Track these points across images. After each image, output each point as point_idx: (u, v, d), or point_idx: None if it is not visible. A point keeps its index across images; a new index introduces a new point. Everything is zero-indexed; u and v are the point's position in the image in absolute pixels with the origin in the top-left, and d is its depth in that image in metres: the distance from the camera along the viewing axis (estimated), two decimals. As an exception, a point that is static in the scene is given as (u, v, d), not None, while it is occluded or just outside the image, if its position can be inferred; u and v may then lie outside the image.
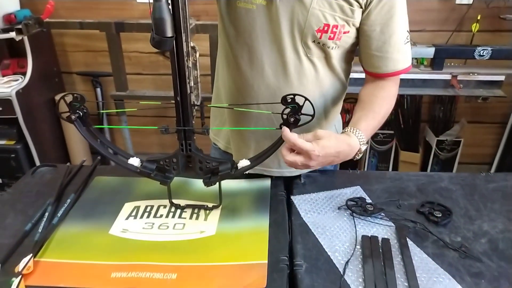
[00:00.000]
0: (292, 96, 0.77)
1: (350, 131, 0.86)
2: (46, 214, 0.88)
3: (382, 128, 2.31)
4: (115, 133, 2.65)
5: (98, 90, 2.47)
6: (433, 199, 0.95)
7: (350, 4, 0.84)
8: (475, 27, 2.05)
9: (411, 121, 2.31)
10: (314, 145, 0.77)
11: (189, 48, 0.74)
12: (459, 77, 1.93)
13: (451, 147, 2.25)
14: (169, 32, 0.65)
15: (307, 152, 0.77)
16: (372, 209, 0.89)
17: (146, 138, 2.64)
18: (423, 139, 2.40)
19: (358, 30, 0.89)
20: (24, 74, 2.14)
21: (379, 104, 0.93)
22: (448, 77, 1.94)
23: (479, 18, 2.04)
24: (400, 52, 0.90)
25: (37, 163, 2.18)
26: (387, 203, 0.93)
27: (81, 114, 0.82)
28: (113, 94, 2.12)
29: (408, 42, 0.91)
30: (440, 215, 0.88)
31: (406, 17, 0.90)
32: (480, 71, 1.95)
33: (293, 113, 0.78)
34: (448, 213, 0.89)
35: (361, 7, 0.86)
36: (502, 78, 1.92)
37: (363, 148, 0.86)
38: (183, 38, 0.70)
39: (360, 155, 0.87)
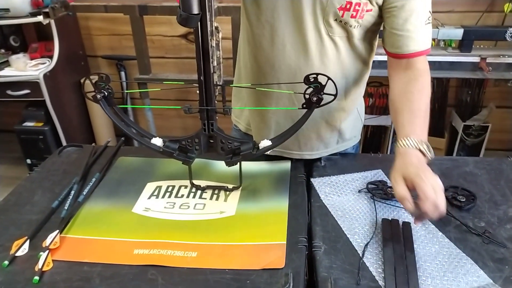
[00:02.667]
0: (314, 76, 0.77)
1: (403, 145, 0.82)
2: (72, 192, 0.90)
3: (406, 112, 2.27)
4: (138, 116, 2.70)
5: (123, 73, 2.50)
6: (457, 183, 0.93)
7: None
8: (507, 7, 1.96)
9: (437, 106, 2.25)
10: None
11: (213, 27, 0.74)
12: (488, 60, 1.85)
13: (478, 132, 2.18)
14: (196, 9, 0.67)
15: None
16: (393, 192, 0.88)
17: (168, 121, 2.67)
18: (449, 124, 2.34)
19: (381, 8, 0.87)
20: (51, 57, 2.19)
21: (420, 98, 0.87)
22: (476, 59, 1.86)
23: (513, -3, 1.96)
24: (421, 32, 0.87)
25: (64, 144, 2.24)
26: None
27: (106, 93, 0.84)
28: (137, 77, 2.14)
29: (429, 23, 0.88)
30: (463, 200, 0.87)
31: None
32: (510, 53, 1.87)
33: (316, 92, 0.77)
34: (472, 198, 0.88)
35: None
36: (534, 60, 1.84)
37: (425, 148, 0.80)
38: (208, 16, 0.71)
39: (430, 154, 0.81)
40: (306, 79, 0.77)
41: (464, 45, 1.85)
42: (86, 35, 2.47)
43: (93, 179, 0.95)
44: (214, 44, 0.74)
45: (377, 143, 2.37)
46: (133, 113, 2.65)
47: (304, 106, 0.80)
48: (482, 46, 1.97)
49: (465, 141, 2.22)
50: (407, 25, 0.86)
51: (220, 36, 0.72)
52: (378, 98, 2.25)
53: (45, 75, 2.08)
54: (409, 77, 0.89)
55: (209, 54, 0.75)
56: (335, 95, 0.77)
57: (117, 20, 2.36)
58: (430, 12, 0.88)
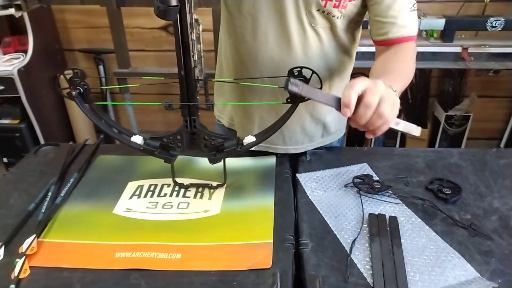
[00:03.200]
0: (299, 69, 0.75)
1: None
2: (50, 193, 0.87)
3: (389, 103, 2.28)
4: (119, 112, 2.64)
5: (101, 67, 2.44)
6: (442, 175, 0.93)
7: None
8: (487, -4, 1.98)
9: (419, 96, 2.26)
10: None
11: (193, 20, 0.72)
12: (470, 50, 1.87)
13: (460, 122, 2.21)
14: (174, 1, 0.64)
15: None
16: (379, 186, 0.87)
17: (150, 115, 2.62)
18: (432, 114, 2.36)
19: None
20: (25, 52, 2.12)
21: (395, 62, 0.86)
22: (458, 49, 1.88)
23: (492, -13, 1.97)
24: (406, 18, 0.86)
25: (42, 142, 2.17)
26: (395, 180, 0.91)
27: (81, 90, 0.80)
28: (116, 71, 2.09)
29: (414, 10, 0.87)
30: (449, 192, 0.86)
31: None
32: (492, 43, 1.88)
33: None
34: (457, 190, 0.87)
35: None
36: (514, 50, 1.86)
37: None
38: (187, 8, 0.68)
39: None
40: (290, 73, 0.75)
41: (446, 35, 1.86)
42: (62, 28, 2.40)
43: (71, 180, 0.91)
44: (194, 38, 0.72)
45: (361, 135, 2.37)
46: (113, 108, 2.59)
47: (289, 100, 0.78)
48: (463, 36, 1.98)
49: (447, 131, 2.24)
50: (390, 11, 0.85)
51: (200, 29, 0.70)
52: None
53: (19, 71, 2.01)
54: (389, 51, 0.88)
55: (189, 48, 0.72)
56: (320, 89, 0.76)
57: (94, 12, 2.29)
58: None
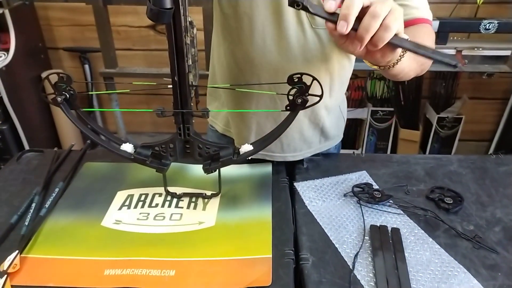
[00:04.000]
0: (299, 76, 0.71)
1: None
2: (33, 204, 0.82)
3: (382, 105, 2.27)
4: (106, 112, 2.57)
5: (87, 66, 2.37)
6: (442, 184, 0.91)
7: None
8: (480, -1, 1.97)
9: (411, 98, 2.25)
10: None
11: (187, 22, 0.67)
12: (464, 52, 1.86)
13: (452, 124, 2.20)
14: (168, 3, 0.59)
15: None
16: (379, 196, 0.84)
17: (138, 116, 2.56)
18: (423, 116, 2.35)
19: None
20: (7, 50, 2.03)
21: (419, 36, 0.76)
22: (452, 52, 1.87)
23: (484, -12, 1.96)
24: (418, 0, 0.81)
25: (25, 144, 2.10)
26: (395, 188, 0.89)
27: (67, 96, 0.75)
28: (102, 71, 2.03)
29: None
30: (451, 202, 0.84)
31: None
32: (484, 45, 1.88)
33: (300, 94, 0.72)
34: (459, 200, 0.85)
35: None
36: (508, 53, 1.85)
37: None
38: (181, 11, 0.63)
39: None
40: (290, 79, 0.72)
41: (439, 37, 1.84)
42: (45, 26, 2.31)
43: (56, 189, 0.86)
44: (188, 41, 0.67)
45: (352, 136, 2.36)
46: (99, 106, 2.52)
47: (288, 108, 0.74)
48: (456, 38, 1.97)
49: (439, 133, 2.24)
50: None
51: (195, 32, 0.66)
52: (354, 90, 2.23)
53: (1, 70, 1.93)
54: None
55: (184, 52, 0.68)
56: (321, 96, 0.72)
57: (79, 10, 2.22)
58: None
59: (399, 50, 0.65)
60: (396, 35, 0.57)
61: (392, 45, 0.59)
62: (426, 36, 0.80)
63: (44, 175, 0.91)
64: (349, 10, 0.54)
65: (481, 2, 1.98)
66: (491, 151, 2.39)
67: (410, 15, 0.80)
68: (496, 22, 1.77)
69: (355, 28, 0.56)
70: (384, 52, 0.61)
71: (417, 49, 0.59)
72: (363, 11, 0.55)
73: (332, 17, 0.57)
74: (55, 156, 0.99)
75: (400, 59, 0.66)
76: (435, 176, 0.94)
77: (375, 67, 0.70)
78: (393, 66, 0.68)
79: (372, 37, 0.56)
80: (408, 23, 0.80)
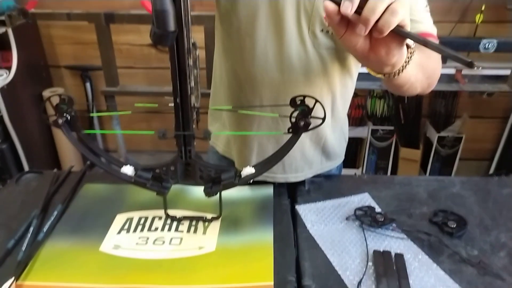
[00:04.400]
0: (301, 98, 0.71)
1: None
2: (31, 228, 0.80)
3: (382, 123, 2.27)
4: (105, 129, 2.57)
5: (88, 84, 2.38)
6: (445, 206, 0.90)
7: None
8: (479, 18, 1.98)
9: (411, 116, 2.25)
10: None
11: (190, 44, 0.67)
12: (463, 71, 1.87)
13: (453, 143, 2.20)
14: (172, 26, 0.59)
15: None
16: (382, 219, 0.83)
17: (138, 134, 2.56)
18: (424, 135, 2.35)
19: None
20: (9, 68, 2.04)
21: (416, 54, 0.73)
22: (452, 71, 1.87)
23: (483, 8, 1.98)
24: (421, 15, 0.79)
25: (24, 163, 2.09)
26: (398, 211, 0.88)
27: (68, 117, 0.75)
28: (104, 89, 2.03)
29: (428, 12, 0.81)
30: (454, 226, 0.83)
31: None
32: (484, 64, 1.89)
33: (303, 116, 0.71)
34: (463, 223, 0.84)
35: None
36: (507, 72, 1.86)
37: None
38: (184, 33, 0.63)
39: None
40: (292, 102, 0.71)
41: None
42: (48, 44, 2.33)
43: (55, 212, 0.85)
44: (191, 63, 0.67)
45: (353, 154, 2.36)
46: (100, 127, 2.52)
47: (290, 130, 0.74)
48: (455, 57, 1.98)
49: (439, 152, 2.23)
50: None
51: (197, 53, 0.66)
52: (354, 109, 2.23)
53: (2, 89, 1.94)
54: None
55: (186, 74, 0.68)
56: (324, 119, 0.72)
57: (82, 28, 2.24)
58: (426, 0, 0.82)
59: (405, 51, 0.61)
60: (400, 26, 0.53)
61: (398, 35, 0.55)
62: (434, 53, 0.77)
63: (43, 197, 0.90)
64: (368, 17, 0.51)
65: (480, 21, 1.99)
66: (492, 170, 2.38)
67: (415, 29, 0.77)
68: (496, 41, 1.78)
69: (359, 12, 0.52)
70: (389, 47, 0.57)
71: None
72: None
73: None
74: (54, 177, 0.98)
75: (405, 66, 0.62)
76: (437, 198, 0.93)
77: (380, 75, 0.66)
78: (398, 74, 0.64)
79: (377, 22, 0.51)
80: None
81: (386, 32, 0.52)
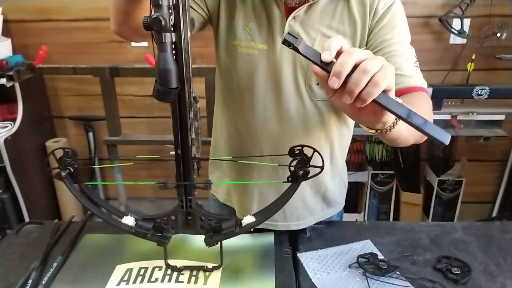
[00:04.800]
0: (300, 148, 0.73)
1: None
2: (30, 281, 0.79)
3: (382, 168, 2.28)
4: (106, 177, 2.58)
5: (91, 134, 2.41)
6: (449, 252, 0.89)
7: (353, 41, 0.82)
8: (470, 66, 2.06)
9: (410, 160, 2.27)
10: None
11: (191, 98, 0.70)
12: (459, 117, 1.91)
13: (453, 187, 2.20)
14: (174, 83, 0.62)
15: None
16: (386, 267, 0.82)
17: (138, 181, 2.56)
18: (424, 178, 2.35)
19: None
20: (13, 120, 2.09)
21: (415, 103, 0.74)
22: (447, 117, 1.92)
23: (473, 57, 2.05)
24: (411, 70, 0.81)
25: (25, 213, 2.07)
26: (401, 259, 0.87)
27: (71, 170, 0.76)
28: (106, 139, 2.06)
29: (417, 67, 0.83)
30: (458, 272, 0.82)
31: (411, 47, 0.85)
32: (478, 110, 1.93)
33: (302, 165, 0.73)
34: (467, 270, 0.83)
35: (365, 46, 0.84)
36: (502, 117, 1.90)
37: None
38: (186, 88, 0.67)
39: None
40: (291, 151, 0.73)
41: (434, 103, 1.89)
42: (53, 96, 2.40)
43: (55, 264, 0.84)
44: (192, 115, 0.70)
45: (354, 199, 2.35)
46: (101, 173, 2.53)
47: (290, 179, 0.75)
48: (450, 103, 2.03)
49: (441, 196, 2.23)
50: (393, 64, 0.78)
51: (198, 106, 0.69)
52: (354, 154, 2.25)
53: (6, 140, 1.96)
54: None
55: (188, 127, 0.70)
56: (322, 168, 0.73)
57: (86, 81, 2.31)
58: (415, 57, 0.84)
59: None
60: (386, 91, 0.56)
61: (379, 105, 0.57)
62: (423, 102, 0.78)
63: (43, 248, 0.89)
64: (343, 68, 0.53)
65: (471, 69, 2.06)
66: (494, 213, 2.36)
67: (405, 84, 0.80)
68: (488, 88, 1.83)
69: (345, 81, 0.55)
70: (375, 110, 0.59)
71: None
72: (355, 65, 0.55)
73: (325, 66, 0.56)
74: (55, 228, 0.98)
75: (396, 123, 0.64)
76: (440, 244, 0.92)
77: (372, 131, 0.68)
78: (390, 130, 0.65)
79: (360, 92, 0.54)
80: (403, 91, 0.80)
81: (368, 102, 0.55)
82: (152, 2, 0.58)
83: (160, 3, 0.58)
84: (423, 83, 0.83)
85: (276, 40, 0.83)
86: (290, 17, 0.82)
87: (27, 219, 2.06)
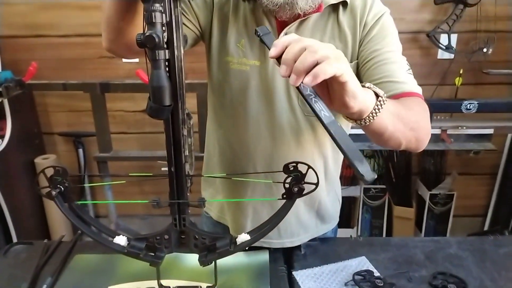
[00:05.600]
0: (294, 164, 0.72)
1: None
2: (18, 304, 0.77)
3: (373, 182, 2.29)
4: (97, 194, 2.54)
5: (81, 150, 2.38)
6: (444, 268, 0.89)
7: (345, 55, 0.83)
8: (458, 80, 2.09)
9: (402, 174, 2.28)
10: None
11: (185, 115, 0.70)
12: (449, 131, 1.93)
13: (445, 200, 2.21)
14: (168, 101, 0.61)
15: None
16: (382, 284, 0.82)
17: (129, 198, 2.53)
18: (416, 192, 2.36)
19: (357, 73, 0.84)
20: (2, 136, 2.05)
21: (405, 103, 0.74)
22: (437, 131, 1.93)
23: (461, 72, 2.09)
24: (404, 77, 0.80)
25: (13, 232, 2.02)
26: (397, 275, 0.86)
27: (62, 189, 0.75)
28: (97, 155, 2.03)
29: (410, 74, 0.82)
30: (455, 288, 0.82)
31: (401, 54, 0.84)
32: (467, 124, 1.96)
33: (296, 182, 0.72)
34: (462, 285, 0.83)
35: (356, 59, 0.84)
36: (491, 131, 1.93)
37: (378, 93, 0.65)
38: (179, 105, 0.66)
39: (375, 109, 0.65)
40: (286, 168, 0.73)
41: (423, 117, 1.92)
42: (42, 112, 2.36)
43: (44, 286, 0.82)
44: (185, 132, 0.69)
45: (347, 214, 2.34)
46: (91, 191, 2.50)
47: (285, 196, 0.74)
48: (439, 117, 2.05)
49: (433, 210, 2.23)
50: (386, 72, 0.79)
51: (191, 123, 0.69)
52: (345, 168, 2.26)
53: (-6, 157, 1.93)
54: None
55: (181, 144, 0.70)
56: (317, 185, 0.73)
57: (77, 96, 2.28)
58: (408, 65, 0.83)
59: (369, 99, 0.63)
60: (336, 79, 0.56)
61: (339, 86, 0.57)
62: (417, 106, 0.76)
63: (32, 269, 0.87)
64: (288, 55, 0.56)
65: (459, 84, 2.09)
66: (486, 226, 2.37)
67: (399, 90, 0.78)
68: (476, 102, 1.86)
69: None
70: (336, 96, 0.60)
71: (326, 120, 0.56)
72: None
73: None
74: (44, 248, 0.96)
75: (376, 113, 0.64)
76: (435, 260, 0.92)
77: (351, 121, 0.68)
78: (369, 121, 0.65)
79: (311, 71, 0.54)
80: (397, 97, 0.77)
81: (318, 79, 0.54)
82: (145, 20, 0.58)
83: (154, 21, 0.57)
84: (418, 89, 0.81)
85: (268, 56, 0.83)
86: (282, 33, 0.82)
87: (14, 239, 2.02)
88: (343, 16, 0.83)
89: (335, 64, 0.55)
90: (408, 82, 0.80)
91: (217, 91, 0.91)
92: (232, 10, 0.85)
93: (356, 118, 0.65)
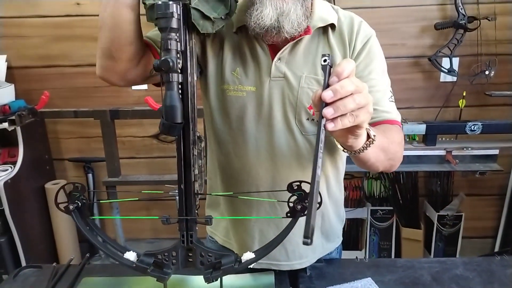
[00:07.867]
0: (298, 183, 0.74)
1: None
2: (27, 328, 0.78)
3: (381, 204, 2.28)
4: (105, 219, 2.56)
5: (90, 175, 2.42)
6: (450, 290, 0.88)
7: None
8: (462, 102, 2.11)
9: (409, 196, 2.27)
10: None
11: (195, 136, 0.73)
12: (454, 152, 1.93)
13: (453, 222, 2.20)
14: (179, 119, 0.66)
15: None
16: (387, 305, 0.81)
17: (137, 222, 2.54)
18: (423, 214, 2.35)
19: None
20: (14, 163, 2.10)
21: (389, 135, 0.81)
22: (442, 152, 1.94)
23: (464, 94, 2.11)
24: (387, 106, 0.87)
25: (22, 257, 2.04)
26: (403, 297, 0.86)
27: (79, 204, 0.78)
28: (106, 180, 2.07)
29: (393, 101, 0.89)
30: (461, 309, 0.81)
31: (387, 78, 0.90)
32: (472, 145, 1.96)
33: (300, 201, 0.74)
34: (469, 306, 0.82)
35: None
36: (496, 152, 1.93)
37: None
38: (190, 126, 0.71)
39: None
40: (290, 187, 0.75)
41: (428, 139, 1.93)
42: (53, 139, 2.42)
43: (53, 309, 0.83)
44: (196, 153, 0.73)
45: (355, 236, 2.33)
46: (100, 215, 2.52)
47: (289, 215, 0.76)
48: (444, 138, 2.06)
49: (441, 231, 2.21)
50: None
51: (202, 145, 0.72)
52: (352, 190, 2.26)
53: (5, 183, 1.97)
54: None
55: (191, 163, 0.73)
56: (320, 203, 0.74)
57: (87, 123, 2.34)
58: (391, 91, 0.90)
59: (361, 140, 0.67)
60: (357, 126, 0.61)
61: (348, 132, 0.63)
62: (395, 134, 0.84)
63: (41, 293, 0.89)
64: (342, 89, 0.57)
65: (463, 106, 2.11)
66: (497, 248, 2.34)
67: (381, 117, 0.86)
68: (480, 123, 1.87)
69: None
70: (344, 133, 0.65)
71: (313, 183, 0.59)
72: None
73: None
74: (53, 271, 0.97)
75: (365, 148, 0.70)
76: (442, 281, 0.92)
77: (340, 146, 0.73)
78: (359, 153, 0.71)
79: (341, 116, 0.58)
80: (380, 123, 0.86)
81: (343, 126, 0.59)
82: (162, 47, 0.65)
83: (169, 47, 0.64)
84: (398, 117, 0.89)
85: (264, 81, 0.86)
86: (276, 58, 0.85)
87: (23, 262, 2.03)
88: (333, 38, 0.87)
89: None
90: (391, 111, 0.88)
91: (215, 118, 0.93)
92: (226, 40, 0.88)
93: (346, 148, 0.71)
